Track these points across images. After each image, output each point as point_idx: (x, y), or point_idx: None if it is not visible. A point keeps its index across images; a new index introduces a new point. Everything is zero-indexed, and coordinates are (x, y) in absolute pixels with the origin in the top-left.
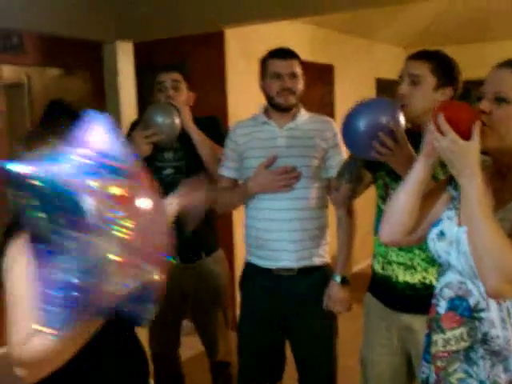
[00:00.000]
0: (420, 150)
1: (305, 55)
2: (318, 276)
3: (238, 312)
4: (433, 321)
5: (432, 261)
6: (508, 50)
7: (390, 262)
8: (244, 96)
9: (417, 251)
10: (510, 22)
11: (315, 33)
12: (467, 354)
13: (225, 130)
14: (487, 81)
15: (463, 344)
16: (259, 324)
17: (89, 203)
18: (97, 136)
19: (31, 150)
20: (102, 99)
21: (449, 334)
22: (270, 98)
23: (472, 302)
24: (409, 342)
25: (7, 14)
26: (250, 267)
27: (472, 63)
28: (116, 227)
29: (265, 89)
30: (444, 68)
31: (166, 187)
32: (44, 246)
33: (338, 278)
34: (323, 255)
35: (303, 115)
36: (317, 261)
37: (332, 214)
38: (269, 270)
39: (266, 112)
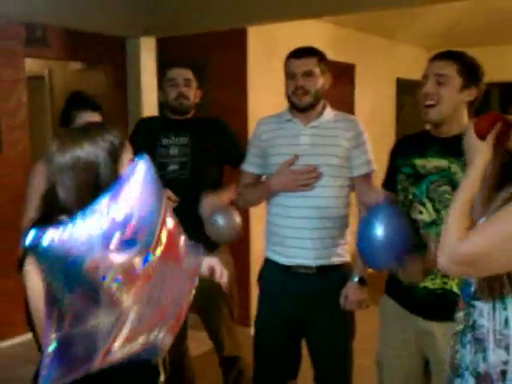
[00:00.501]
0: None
1: (326, 54)
2: (336, 275)
3: (253, 307)
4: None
5: None
6: None
7: None
8: (265, 95)
9: None
10: None
11: (337, 32)
12: (461, 336)
13: (231, 129)
14: None
15: (461, 326)
16: (276, 321)
17: (101, 279)
18: (133, 194)
19: (64, 150)
20: (124, 94)
21: (456, 315)
22: (287, 97)
23: (473, 289)
24: (427, 346)
25: (32, 8)
26: (268, 263)
27: (494, 65)
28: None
29: (285, 88)
30: (469, 69)
31: (170, 183)
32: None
33: (355, 278)
34: (342, 254)
35: (328, 113)
36: (336, 260)
37: (353, 213)
38: (287, 267)
39: (290, 110)
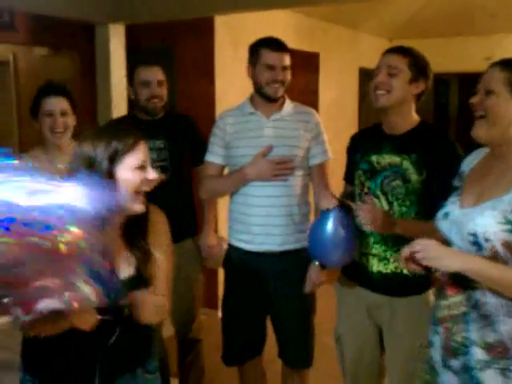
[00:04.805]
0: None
1: (291, 43)
2: (298, 256)
3: (220, 290)
4: (438, 289)
5: None
6: (489, 45)
7: (365, 254)
8: (231, 82)
9: (390, 244)
10: (493, 18)
11: (302, 21)
12: (464, 317)
13: (198, 128)
14: (481, 79)
15: (462, 309)
16: (242, 301)
17: None
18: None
19: (80, 143)
20: (91, 80)
21: (450, 300)
22: (259, 87)
23: None
24: (378, 318)
25: None
26: (233, 249)
27: (454, 56)
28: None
29: (254, 77)
30: (418, 64)
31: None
32: None
33: (316, 262)
34: (305, 238)
35: (288, 105)
36: (299, 245)
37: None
38: (252, 253)
39: (252, 101)
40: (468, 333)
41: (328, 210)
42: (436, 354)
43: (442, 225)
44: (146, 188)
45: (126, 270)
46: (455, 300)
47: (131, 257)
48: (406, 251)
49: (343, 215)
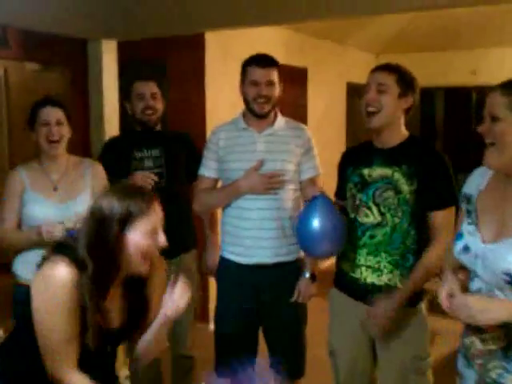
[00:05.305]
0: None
1: (280, 58)
2: (289, 268)
3: (211, 304)
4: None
5: (397, 264)
6: (474, 59)
7: (358, 266)
8: (222, 96)
9: (383, 254)
10: (479, 32)
11: (291, 37)
12: (504, 352)
13: (196, 145)
14: (485, 105)
15: (500, 344)
16: (234, 312)
17: None
18: None
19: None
20: (83, 95)
21: (487, 335)
22: (247, 104)
23: None
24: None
25: None
26: (225, 261)
27: (440, 70)
28: None
29: (244, 94)
30: (406, 79)
31: None
32: None
33: (307, 274)
34: (296, 251)
35: (280, 121)
36: (291, 257)
37: None
38: (245, 265)
39: (244, 117)
40: (508, 368)
41: (313, 198)
42: None
43: (463, 258)
44: (155, 253)
45: (118, 320)
46: (493, 335)
47: (126, 307)
48: (444, 299)
49: (328, 202)
